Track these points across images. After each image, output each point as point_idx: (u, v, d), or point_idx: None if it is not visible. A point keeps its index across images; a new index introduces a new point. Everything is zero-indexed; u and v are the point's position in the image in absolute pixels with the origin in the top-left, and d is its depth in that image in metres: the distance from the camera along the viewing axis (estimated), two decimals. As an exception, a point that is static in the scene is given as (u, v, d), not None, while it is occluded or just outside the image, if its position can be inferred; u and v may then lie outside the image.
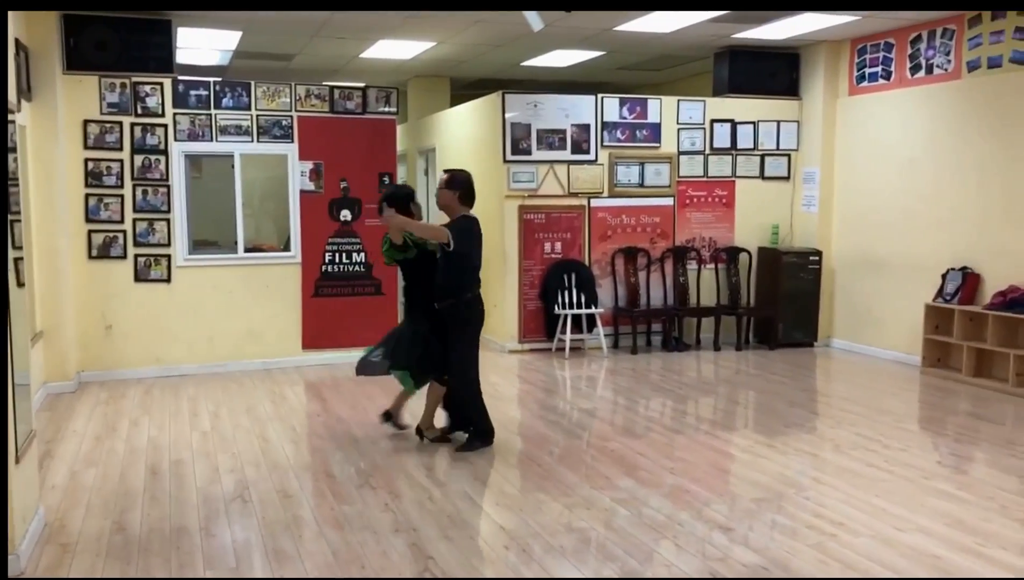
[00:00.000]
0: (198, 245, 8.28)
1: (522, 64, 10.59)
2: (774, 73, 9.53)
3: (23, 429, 4.00)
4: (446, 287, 5.50)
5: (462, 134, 10.22)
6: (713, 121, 9.45)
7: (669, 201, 9.40)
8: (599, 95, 9.17)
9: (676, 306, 9.37)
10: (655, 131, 9.29)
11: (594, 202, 9.09)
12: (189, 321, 8.04)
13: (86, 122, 7.64)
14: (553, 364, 8.60)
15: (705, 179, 9.50)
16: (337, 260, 8.46)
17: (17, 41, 6.29)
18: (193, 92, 7.93)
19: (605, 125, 9.12)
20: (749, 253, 9.59)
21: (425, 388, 5.83)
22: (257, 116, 8.12)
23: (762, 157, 9.63)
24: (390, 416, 6.04)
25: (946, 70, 8.03)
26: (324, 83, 8.76)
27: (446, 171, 5.75)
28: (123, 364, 7.87)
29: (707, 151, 9.48)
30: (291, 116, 8.22)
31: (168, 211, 7.89)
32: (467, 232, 5.50)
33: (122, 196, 7.77)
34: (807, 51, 9.45)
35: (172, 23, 7.79)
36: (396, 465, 5.40)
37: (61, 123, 7.38)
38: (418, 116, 11.89)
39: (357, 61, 10.25)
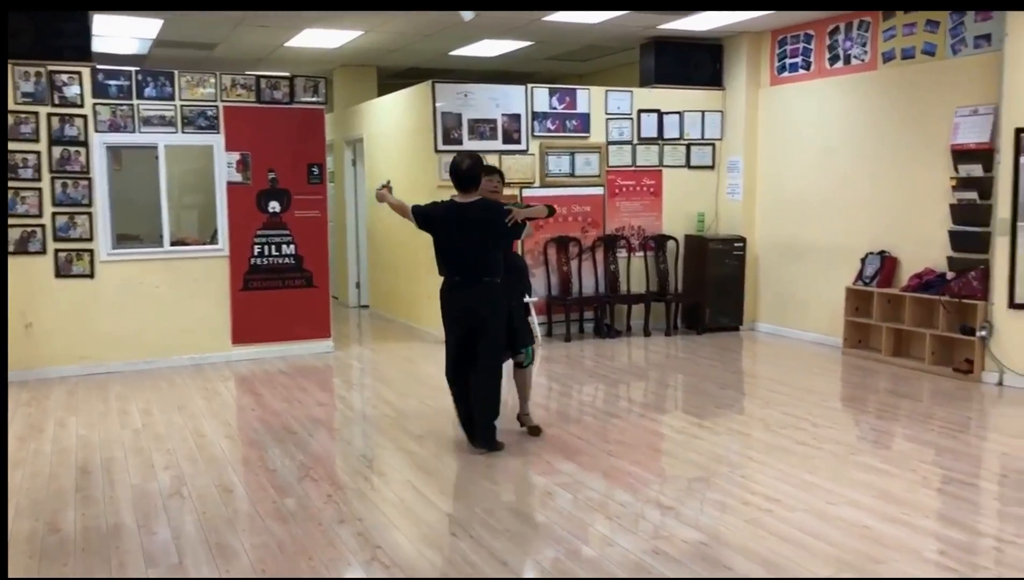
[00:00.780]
0: (122, 239, 8.05)
1: (451, 54, 10.57)
2: (698, 64, 9.73)
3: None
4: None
5: (391, 124, 10.16)
6: (640, 111, 9.60)
7: (599, 190, 9.52)
8: (529, 85, 9.23)
9: (607, 294, 9.51)
10: (584, 121, 9.39)
11: (526, 192, 9.14)
12: (114, 317, 7.83)
13: None
14: (487, 353, 8.63)
15: (633, 168, 9.65)
16: (266, 253, 8.33)
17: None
18: (113, 82, 7.70)
19: (536, 115, 9.18)
20: (677, 241, 9.79)
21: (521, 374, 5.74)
22: (181, 106, 7.93)
23: (688, 146, 9.82)
24: (528, 422, 5.77)
25: (863, 61, 8.32)
26: (250, 72, 8.61)
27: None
28: (45, 363, 7.62)
29: (635, 141, 9.63)
30: (216, 106, 8.05)
31: (90, 205, 7.66)
32: None
33: (40, 189, 7.51)
34: (730, 42, 9.67)
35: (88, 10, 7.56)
36: (336, 457, 5.38)
37: (-27, 113, 7.11)
38: (345, 106, 11.77)
39: (282, 50, 10.09)
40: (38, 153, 7.48)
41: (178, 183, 8.76)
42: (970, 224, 7.30)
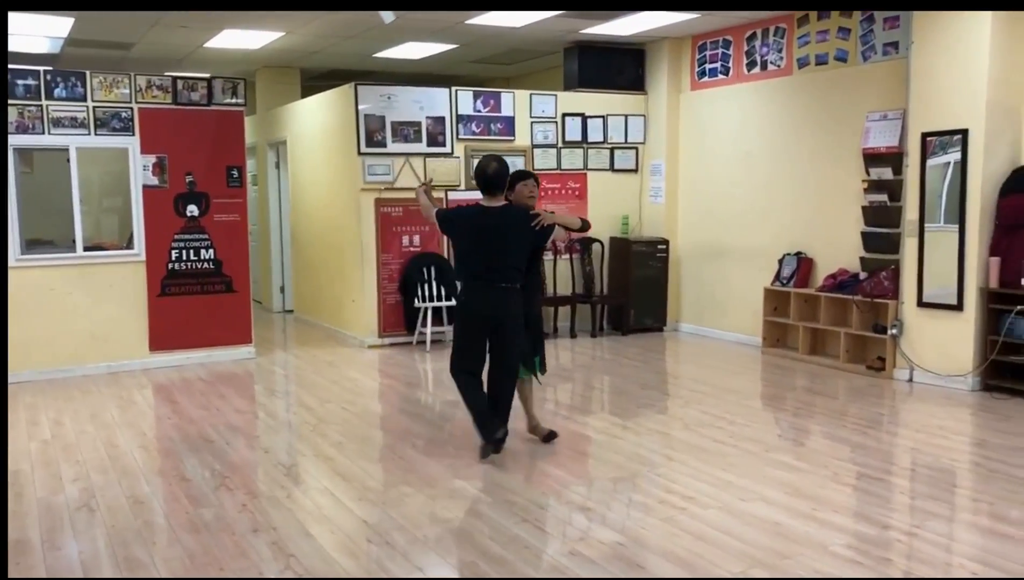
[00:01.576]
0: (32, 244, 7.78)
1: (375, 56, 10.49)
2: (621, 68, 9.84)
3: None
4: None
5: (314, 126, 10.04)
6: (565, 115, 9.66)
7: (524, 193, 9.53)
8: (453, 88, 9.21)
9: (533, 296, 9.53)
10: (509, 124, 9.41)
11: (452, 195, 9.12)
12: (25, 325, 7.55)
13: (-102, 113, 7.06)
14: (415, 358, 8.59)
15: (558, 171, 9.71)
16: (184, 257, 8.15)
17: None
18: (21, 81, 7.44)
19: (460, 118, 9.17)
20: (602, 243, 9.88)
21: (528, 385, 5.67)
22: (94, 108, 7.70)
23: (612, 150, 9.92)
24: (541, 432, 5.66)
25: (779, 66, 8.51)
26: (167, 73, 8.40)
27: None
28: (-51, 373, 7.32)
29: (560, 144, 9.69)
30: (131, 108, 7.85)
31: (-4, 208, 7.39)
32: None
33: (-57, 193, 7.23)
34: (651, 47, 9.80)
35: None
36: (253, 465, 5.28)
37: None
38: (267, 108, 11.59)
39: (202, 51, 9.88)
40: (-60, 155, 7.20)
41: (96, 186, 8.52)
42: (881, 225, 7.54)
